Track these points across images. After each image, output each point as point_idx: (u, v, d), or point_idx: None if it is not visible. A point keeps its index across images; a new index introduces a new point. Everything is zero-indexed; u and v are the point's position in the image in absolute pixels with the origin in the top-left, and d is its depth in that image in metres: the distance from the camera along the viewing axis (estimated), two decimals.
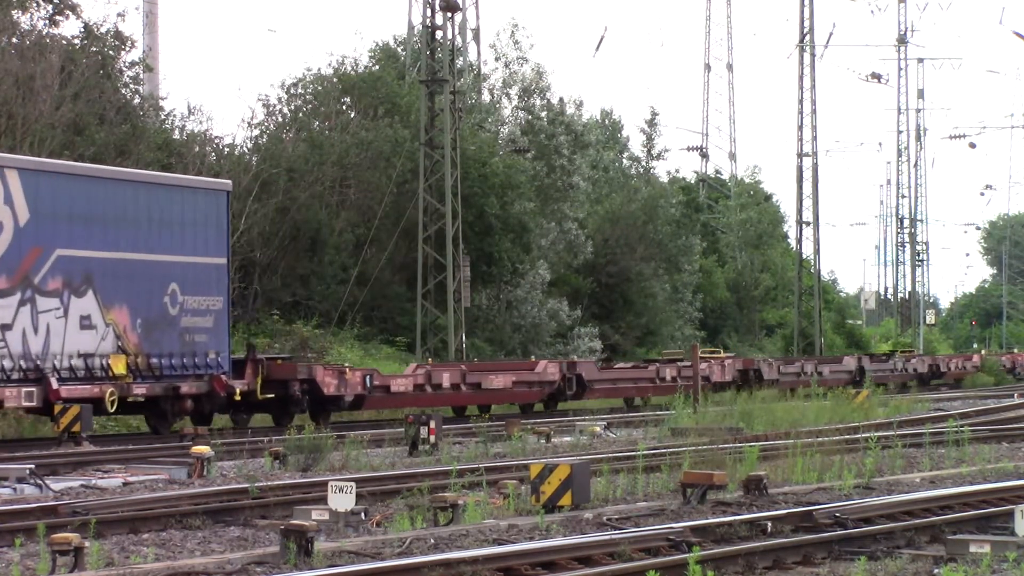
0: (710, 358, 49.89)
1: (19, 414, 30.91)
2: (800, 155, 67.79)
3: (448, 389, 38.38)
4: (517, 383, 40.62)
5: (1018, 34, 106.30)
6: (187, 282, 32.62)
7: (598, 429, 31.33)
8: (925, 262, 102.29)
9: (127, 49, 47.02)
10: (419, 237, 47.30)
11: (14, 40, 43.14)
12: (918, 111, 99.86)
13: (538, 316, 57.86)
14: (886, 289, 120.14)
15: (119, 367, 30.30)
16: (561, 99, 65.91)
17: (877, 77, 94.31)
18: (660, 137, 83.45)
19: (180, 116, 51.12)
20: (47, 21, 45.60)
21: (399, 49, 64.76)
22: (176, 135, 49.85)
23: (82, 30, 45.52)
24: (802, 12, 67.90)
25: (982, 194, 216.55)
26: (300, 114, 55.28)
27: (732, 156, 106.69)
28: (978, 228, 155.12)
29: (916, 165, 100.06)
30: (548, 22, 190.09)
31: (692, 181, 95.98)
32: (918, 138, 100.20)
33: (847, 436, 27.75)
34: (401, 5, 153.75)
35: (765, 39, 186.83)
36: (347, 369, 35.39)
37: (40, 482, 20.27)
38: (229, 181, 36.86)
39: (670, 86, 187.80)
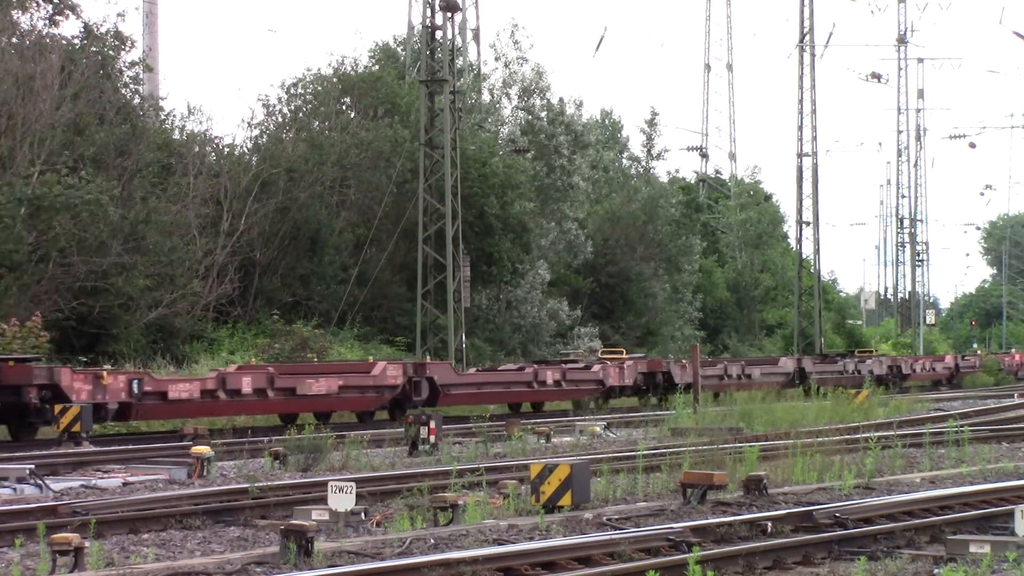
0: (610, 358, 45.80)
1: None
2: (800, 155, 67.76)
3: (250, 395, 33.15)
4: (346, 388, 35.44)
5: (1018, 34, 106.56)
6: None
7: (598, 429, 31.37)
8: (925, 262, 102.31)
9: (127, 49, 47.07)
10: (419, 237, 47.29)
11: (14, 40, 43.14)
12: (918, 111, 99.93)
13: (538, 316, 57.87)
14: (886, 289, 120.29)
15: None
16: (561, 99, 66.06)
17: (877, 77, 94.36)
18: (660, 137, 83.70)
19: (180, 116, 51.27)
20: (47, 21, 45.64)
21: (399, 49, 64.82)
22: (176, 135, 49.90)
23: (82, 30, 45.54)
24: (802, 12, 67.90)
25: (982, 194, 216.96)
26: (300, 114, 55.31)
27: (732, 156, 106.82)
28: (978, 228, 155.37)
29: (916, 165, 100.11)
30: (548, 22, 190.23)
31: (692, 181, 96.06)
32: (918, 138, 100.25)
33: (847, 436, 27.77)
34: (401, 5, 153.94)
35: (765, 39, 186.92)
36: (104, 373, 30.65)
37: (40, 482, 20.26)
38: None
39: (670, 86, 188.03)
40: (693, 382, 41.38)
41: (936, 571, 13.70)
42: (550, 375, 42.00)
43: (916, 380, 62.42)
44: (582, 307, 63.04)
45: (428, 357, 44.57)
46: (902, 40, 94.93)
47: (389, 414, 37.49)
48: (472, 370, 42.74)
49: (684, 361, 47.91)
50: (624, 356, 46.85)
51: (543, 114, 64.18)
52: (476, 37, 66.21)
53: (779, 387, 49.73)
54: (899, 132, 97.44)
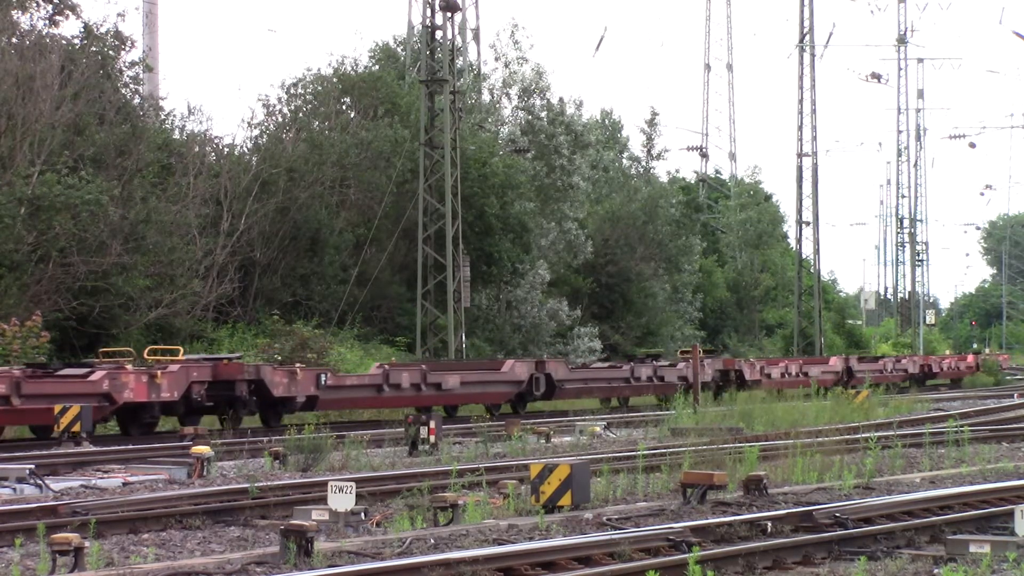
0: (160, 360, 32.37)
1: None
2: (800, 155, 67.81)
3: None
4: None
5: (1018, 34, 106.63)
6: None
7: (598, 429, 31.35)
8: (925, 262, 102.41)
9: (127, 49, 47.06)
10: (419, 237, 47.28)
11: (14, 40, 43.13)
12: (918, 111, 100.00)
13: (538, 316, 57.86)
14: (886, 289, 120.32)
15: None
16: (561, 99, 66.04)
17: (877, 77, 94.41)
18: (660, 137, 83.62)
19: (180, 116, 51.24)
20: (47, 21, 45.63)
21: (399, 49, 64.82)
22: (176, 135, 49.87)
23: (82, 30, 45.53)
24: (802, 12, 67.95)
25: (982, 194, 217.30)
26: (300, 114, 55.31)
27: (732, 156, 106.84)
28: (978, 228, 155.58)
29: (916, 165, 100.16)
30: (548, 22, 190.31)
31: (692, 181, 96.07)
32: (918, 138, 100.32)
33: (847, 436, 27.77)
34: (401, 5, 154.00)
35: (765, 39, 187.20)
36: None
37: (40, 482, 20.25)
38: None
39: (670, 86, 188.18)
40: (693, 382, 41.25)
41: (936, 571, 13.69)
42: (1, 391, 28.32)
43: (768, 388, 45.14)
44: (582, 307, 63.02)
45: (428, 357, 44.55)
46: (902, 40, 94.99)
47: None
48: None
49: (298, 366, 34.99)
50: (179, 358, 32.77)
51: (543, 114, 64.18)
52: (476, 37, 66.24)
53: (507, 400, 40.67)
54: (899, 132, 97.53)
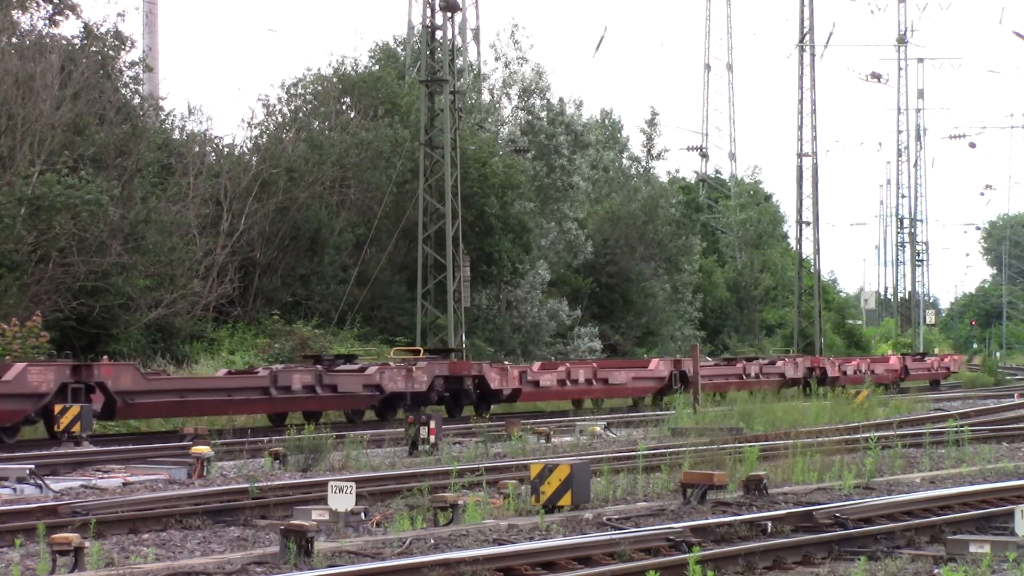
0: None
1: None
2: (800, 155, 67.76)
3: None
4: None
5: (1018, 34, 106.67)
6: None
7: (598, 429, 31.36)
8: (925, 262, 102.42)
9: (127, 49, 47.02)
10: (419, 237, 47.26)
11: (14, 40, 43.11)
12: (918, 111, 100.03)
13: (538, 316, 57.84)
14: (886, 289, 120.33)
15: None
16: (561, 99, 66.00)
17: (877, 77, 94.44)
18: (660, 137, 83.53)
19: (180, 116, 51.24)
20: (47, 21, 45.61)
21: (399, 49, 64.82)
22: (176, 135, 49.86)
23: (82, 30, 45.51)
24: (802, 12, 67.90)
25: (982, 194, 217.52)
26: (300, 114, 55.29)
27: (732, 156, 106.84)
28: (978, 228, 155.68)
29: (916, 165, 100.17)
30: (548, 22, 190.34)
31: (692, 181, 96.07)
32: (918, 138, 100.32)
33: (847, 436, 27.78)
34: (401, 5, 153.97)
35: (765, 39, 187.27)
36: None
37: (40, 482, 20.25)
38: None
39: (670, 86, 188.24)
40: (693, 381, 41.25)
41: (936, 571, 13.70)
42: None
43: (538, 404, 40.31)
44: (582, 307, 63.02)
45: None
46: (902, 40, 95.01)
47: None
48: None
49: None
50: None
51: (543, 114, 64.14)
52: (476, 37, 66.23)
53: (20, 422, 28.09)
54: (899, 132, 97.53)
